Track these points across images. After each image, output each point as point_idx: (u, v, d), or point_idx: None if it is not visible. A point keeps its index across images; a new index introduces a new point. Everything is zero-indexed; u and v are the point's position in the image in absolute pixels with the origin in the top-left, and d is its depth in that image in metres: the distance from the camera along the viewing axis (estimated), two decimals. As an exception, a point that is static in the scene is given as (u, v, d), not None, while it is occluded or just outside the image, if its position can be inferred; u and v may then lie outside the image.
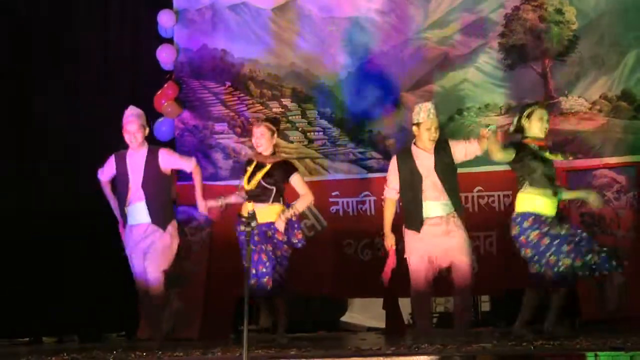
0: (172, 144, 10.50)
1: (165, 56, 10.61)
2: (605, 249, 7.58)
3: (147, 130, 8.56)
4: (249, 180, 8.34)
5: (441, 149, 8.06)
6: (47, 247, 9.75)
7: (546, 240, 7.61)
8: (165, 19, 10.64)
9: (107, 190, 8.63)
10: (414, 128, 8.08)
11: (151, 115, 10.45)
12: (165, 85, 10.55)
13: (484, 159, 9.27)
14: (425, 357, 6.60)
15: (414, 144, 8.13)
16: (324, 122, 10.32)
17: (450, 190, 8.02)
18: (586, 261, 7.53)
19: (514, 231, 7.79)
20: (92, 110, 10.62)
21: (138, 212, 8.37)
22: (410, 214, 8.08)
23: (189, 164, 8.64)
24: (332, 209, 10.08)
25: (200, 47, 10.71)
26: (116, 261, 8.64)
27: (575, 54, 9.66)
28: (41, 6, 10.88)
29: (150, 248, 8.29)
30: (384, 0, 10.21)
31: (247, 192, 8.36)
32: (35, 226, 10.12)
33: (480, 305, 10.38)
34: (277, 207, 8.30)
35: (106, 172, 8.63)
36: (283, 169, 8.37)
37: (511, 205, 9.46)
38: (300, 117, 10.38)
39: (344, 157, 10.23)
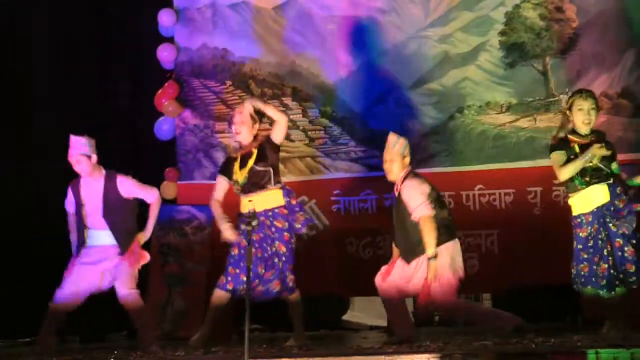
0: (172, 143, 10.56)
1: (165, 55, 10.64)
2: None
3: (94, 157, 8.14)
4: (242, 174, 8.26)
5: None
6: (47, 246, 9.76)
7: None
8: (165, 18, 10.67)
9: (72, 221, 8.35)
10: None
11: (152, 115, 10.54)
12: (166, 85, 10.58)
13: (485, 156, 9.38)
14: (427, 355, 6.63)
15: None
16: (325, 121, 10.35)
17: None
18: None
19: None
20: (92, 111, 10.65)
21: (101, 237, 8.16)
22: None
23: (150, 195, 8.34)
24: (334, 208, 10.12)
25: (200, 46, 10.73)
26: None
27: (575, 51, 9.69)
28: (41, 4, 10.90)
29: (117, 270, 8.11)
30: (385, -1, 10.26)
31: (242, 187, 8.29)
32: (35, 226, 10.15)
33: (482, 303, 10.40)
34: (277, 191, 8.21)
35: (69, 203, 8.36)
36: (268, 143, 8.26)
37: (512, 203, 9.59)
38: (301, 116, 10.41)
39: (345, 155, 10.25)
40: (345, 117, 10.27)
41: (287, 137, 10.09)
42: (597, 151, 7.62)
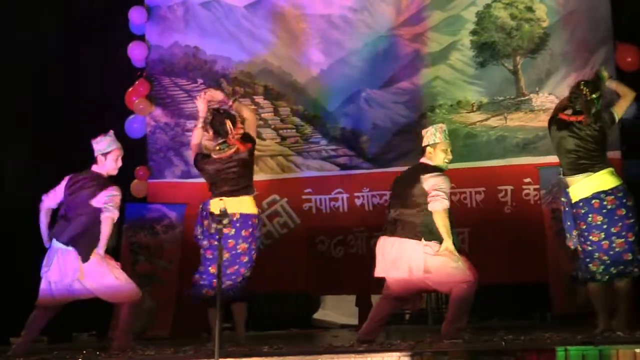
0: (143, 142, 10.53)
1: (136, 53, 10.62)
2: None
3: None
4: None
5: None
6: (14, 247, 9.72)
7: None
8: (136, 16, 10.64)
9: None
10: (429, 149, 7.86)
11: (123, 113, 10.51)
12: (137, 83, 10.55)
13: (456, 155, 9.38)
14: (398, 353, 6.64)
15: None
16: (297, 120, 10.35)
17: None
18: None
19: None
20: (62, 108, 10.62)
21: None
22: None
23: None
24: (305, 206, 10.11)
25: (172, 44, 10.71)
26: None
27: (545, 51, 9.73)
28: (9, 3, 10.84)
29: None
30: (357, -3, 10.28)
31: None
32: (3, 225, 10.09)
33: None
34: (251, 199, 8.19)
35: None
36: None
37: (483, 202, 9.63)
38: (272, 114, 10.41)
39: (317, 154, 10.25)
40: (317, 115, 10.27)
41: (259, 136, 10.08)
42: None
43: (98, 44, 10.91)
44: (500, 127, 9.72)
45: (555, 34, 9.73)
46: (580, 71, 9.56)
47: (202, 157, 8.30)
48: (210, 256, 8.04)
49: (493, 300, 9.58)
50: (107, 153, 8.17)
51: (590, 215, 7.53)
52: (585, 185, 7.59)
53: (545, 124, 9.30)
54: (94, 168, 8.18)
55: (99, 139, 8.22)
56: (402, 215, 7.71)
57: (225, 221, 6.82)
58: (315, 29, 10.36)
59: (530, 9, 9.83)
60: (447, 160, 7.86)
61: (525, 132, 9.65)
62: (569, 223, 7.75)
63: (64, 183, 8.19)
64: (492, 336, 7.33)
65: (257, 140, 9.64)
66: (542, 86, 9.71)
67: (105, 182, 8.10)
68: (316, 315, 11.00)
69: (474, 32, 9.97)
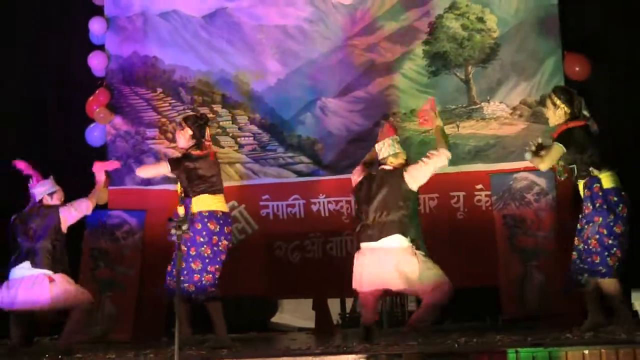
0: (104, 149, 10.47)
1: (96, 63, 10.56)
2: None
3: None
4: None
5: None
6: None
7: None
8: (96, 26, 10.59)
9: None
10: (391, 159, 8.11)
11: (83, 121, 10.45)
12: (97, 92, 10.49)
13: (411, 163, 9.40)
14: (354, 356, 6.66)
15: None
16: (254, 128, 10.34)
17: None
18: None
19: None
20: (22, 117, 10.55)
21: None
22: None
23: None
24: (263, 212, 10.10)
25: (131, 54, 10.65)
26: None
27: (496, 60, 9.80)
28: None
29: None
30: (312, 9, 10.28)
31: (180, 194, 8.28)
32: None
33: (407, 305, 10.46)
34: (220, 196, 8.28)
35: None
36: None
37: (436, 207, 9.66)
38: (230, 122, 10.39)
39: (274, 161, 10.24)
40: (274, 123, 10.27)
41: (217, 143, 10.11)
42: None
43: (58, 53, 10.84)
44: (452, 135, 9.71)
45: (506, 44, 9.81)
46: (530, 80, 9.66)
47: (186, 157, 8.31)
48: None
49: (446, 304, 9.60)
50: (52, 193, 8.59)
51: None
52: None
53: (496, 132, 9.44)
54: (44, 203, 8.56)
55: (41, 182, 8.60)
56: (387, 218, 7.86)
57: (184, 227, 6.81)
58: (271, 40, 10.36)
59: (481, 20, 9.89)
60: None
61: (477, 139, 9.71)
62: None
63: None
64: (445, 339, 7.37)
65: (216, 148, 9.76)
66: (493, 95, 9.78)
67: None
68: (274, 319, 10.99)
69: (426, 42, 10.02)
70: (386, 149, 8.09)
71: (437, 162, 7.96)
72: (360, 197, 8.10)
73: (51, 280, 8.11)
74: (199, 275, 8.02)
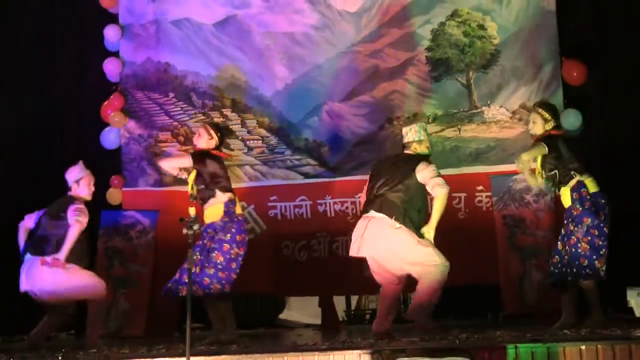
0: (118, 152, 10.48)
1: (111, 69, 10.57)
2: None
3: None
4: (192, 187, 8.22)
5: None
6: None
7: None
8: (111, 34, 10.60)
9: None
10: (415, 145, 7.91)
11: (98, 125, 10.47)
12: (112, 97, 10.50)
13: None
14: (358, 351, 6.64)
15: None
16: (263, 131, 10.34)
17: None
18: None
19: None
20: (40, 121, 10.56)
21: None
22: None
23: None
24: (271, 213, 10.10)
25: (144, 60, 10.66)
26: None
27: (496, 66, 9.80)
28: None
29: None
30: (319, 16, 10.29)
31: (191, 195, 8.23)
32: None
33: (409, 302, 10.44)
34: (220, 205, 8.10)
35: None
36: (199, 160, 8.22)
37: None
38: (240, 126, 10.39)
39: (282, 163, 10.24)
40: (282, 127, 10.27)
41: (227, 147, 10.11)
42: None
43: (75, 60, 10.86)
44: (454, 138, 9.76)
45: (506, 50, 9.80)
46: (529, 85, 9.65)
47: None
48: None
49: (448, 301, 9.55)
50: (79, 180, 8.38)
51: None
52: None
53: (497, 135, 9.44)
54: (69, 194, 8.38)
55: (70, 169, 8.44)
56: (387, 194, 7.71)
57: (195, 227, 6.79)
58: (279, 46, 10.37)
59: (482, 27, 9.89)
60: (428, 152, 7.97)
61: (478, 142, 9.71)
62: None
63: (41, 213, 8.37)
64: (447, 335, 7.34)
65: (226, 151, 9.75)
66: (493, 99, 9.77)
67: (74, 200, 8.31)
68: (282, 316, 10.98)
69: (429, 49, 10.02)
70: (412, 134, 7.92)
71: (439, 193, 7.72)
72: (374, 175, 7.98)
73: (44, 263, 8.08)
74: (226, 273, 7.99)
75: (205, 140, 8.26)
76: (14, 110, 10.62)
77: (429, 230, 7.66)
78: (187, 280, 7.12)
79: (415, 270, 7.67)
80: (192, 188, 8.11)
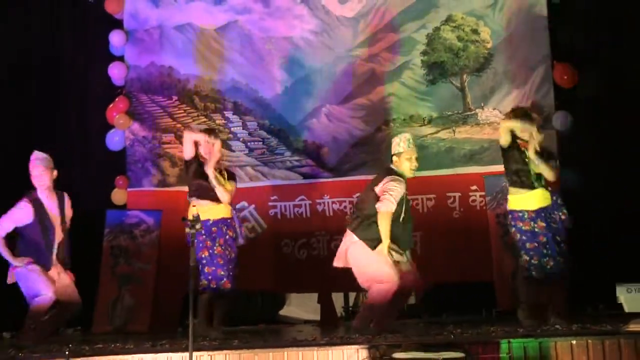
0: (123, 153, 10.48)
1: (116, 72, 10.57)
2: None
3: (55, 173, 8.15)
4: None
5: None
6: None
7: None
8: (116, 39, 10.60)
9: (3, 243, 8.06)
10: (394, 158, 7.88)
11: (104, 127, 10.46)
12: (117, 99, 10.51)
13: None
14: (356, 346, 6.65)
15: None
16: (263, 133, 10.34)
17: None
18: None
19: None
20: (47, 125, 10.56)
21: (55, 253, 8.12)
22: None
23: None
24: (271, 212, 10.10)
25: (148, 64, 10.66)
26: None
27: (490, 69, 9.80)
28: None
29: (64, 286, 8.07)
30: (317, 21, 10.29)
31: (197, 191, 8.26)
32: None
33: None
34: (228, 205, 8.26)
35: (27, 216, 8.06)
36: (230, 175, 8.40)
37: (433, 207, 9.65)
38: (241, 128, 10.39)
39: (282, 164, 10.25)
40: (282, 129, 10.27)
41: (229, 148, 10.14)
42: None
43: (81, 64, 10.85)
44: (449, 140, 9.77)
45: (499, 54, 9.80)
46: (521, 88, 9.64)
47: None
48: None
49: (443, 298, 9.60)
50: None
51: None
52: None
53: (490, 136, 9.43)
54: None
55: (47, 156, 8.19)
56: (358, 211, 7.85)
57: (197, 226, 6.80)
58: (279, 50, 10.37)
59: (475, 32, 9.89)
60: (413, 168, 7.87)
61: (472, 144, 9.70)
62: None
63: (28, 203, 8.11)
64: (442, 330, 7.35)
65: (227, 152, 9.81)
66: (486, 102, 9.77)
67: (61, 192, 8.25)
68: (282, 312, 10.95)
69: (424, 53, 10.02)
70: (394, 146, 7.92)
71: (380, 210, 7.66)
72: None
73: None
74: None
75: (216, 151, 8.32)
76: (21, 112, 10.59)
77: (382, 247, 7.62)
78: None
79: (363, 281, 7.80)
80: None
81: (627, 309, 8.19)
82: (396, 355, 6.44)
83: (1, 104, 10.48)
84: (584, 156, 9.32)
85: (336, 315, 10.01)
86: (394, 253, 7.63)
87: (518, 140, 7.81)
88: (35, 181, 8.06)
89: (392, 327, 7.62)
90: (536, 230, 7.65)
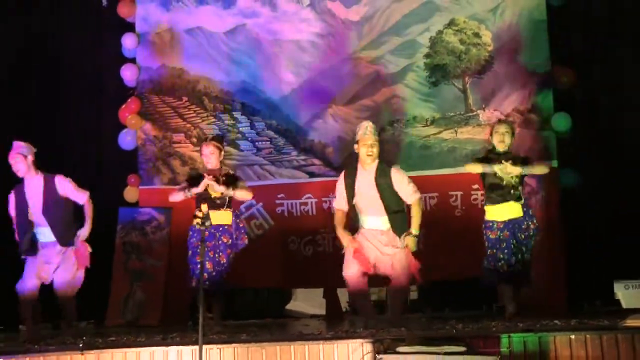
0: (135, 152, 10.49)
1: (128, 74, 10.58)
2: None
3: (31, 157, 8.18)
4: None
5: (382, 171, 7.94)
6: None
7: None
8: (128, 41, 10.61)
9: (17, 223, 8.32)
10: (355, 146, 8.01)
11: (116, 127, 10.47)
12: (129, 100, 10.52)
13: (412, 164, 9.40)
14: (361, 340, 6.66)
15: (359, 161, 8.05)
16: (271, 133, 10.34)
17: (388, 207, 7.93)
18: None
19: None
20: (62, 125, 10.57)
21: (45, 234, 8.21)
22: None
23: (82, 197, 8.31)
24: (278, 210, 10.10)
25: (159, 66, 10.66)
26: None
27: (491, 72, 9.80)
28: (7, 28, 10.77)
29: (62, 263, 8.20)
30: (323, 24, 10.29)
31: (201, 197, 8.28)
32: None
33: (409, 294, 10.43)
34: (229, 212, 8.33)
35: (11, 208, 8.35)
36: (232, 180, 8.40)
37: (436, 205, 9.65)
38: (249, 128, 10.39)
39: (289, 163, 10.24)
40: (289, 129, 10.27)
41: (237, 147, 10.15)
42: (504, 166, 7.93)
43: (94, 66, 10.86)
44: (451, 140, 9.77)
45: (500, 57, 9.80)
46: (521, 90, 9.63)
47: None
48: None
49: (445, 293, 9.60)
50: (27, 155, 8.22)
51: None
52: None
53: (492, 137, 9.38)
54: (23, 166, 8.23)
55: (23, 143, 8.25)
56: None
57: (207, 223, 6.83)
58: (286, 53, 10.37)
59: (477, 35, 9.88)
60: (368, 154, 7.96)
61: (474, 144, 9.69)
62: None
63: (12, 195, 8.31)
64: (444, 325, 7.35)
65: (236, 151, 9.81)
66: (488, 103, 9.76)
67: (50, 176, 8.28)
68: (288, 306, 10.95)
69: (427, 55, 10.02)
70: (356, 134, 8.23)
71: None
72: None
73: None
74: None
75: (216, 157, 8.34)
76: (21, 112, 10.56)
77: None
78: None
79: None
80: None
81: (624, 305, 8.19)
82: (400, 348, 6.44)
83: (1, 104, 10.44)
84: (582, 157, 9.32)
85: (341, 309, 10.00)
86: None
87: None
88: (14, 170, 8.19)
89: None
90: (501, 238, 7.99)
